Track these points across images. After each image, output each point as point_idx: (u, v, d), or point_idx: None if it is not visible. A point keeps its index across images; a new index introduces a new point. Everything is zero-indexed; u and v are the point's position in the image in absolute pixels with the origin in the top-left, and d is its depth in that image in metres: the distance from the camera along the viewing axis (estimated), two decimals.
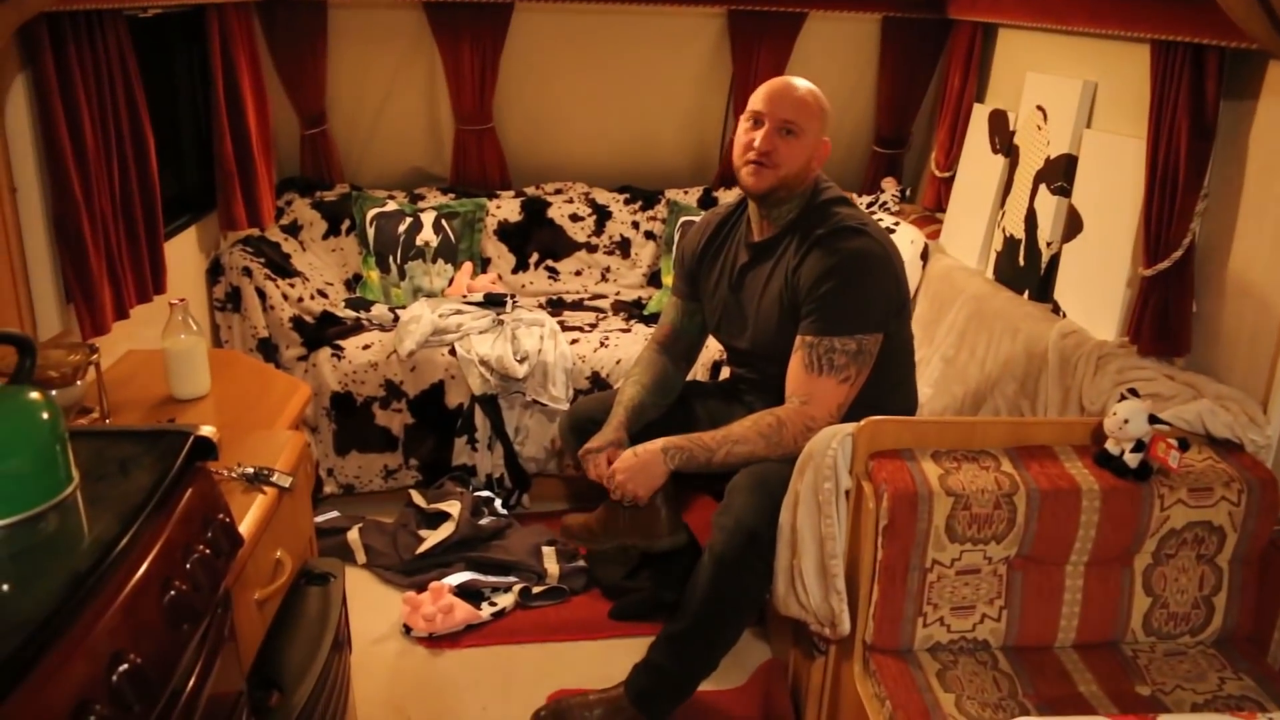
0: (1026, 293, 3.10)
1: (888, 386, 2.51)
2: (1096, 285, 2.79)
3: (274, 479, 1.95)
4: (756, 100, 2.47)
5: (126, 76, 2.61)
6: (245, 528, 1.74)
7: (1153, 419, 2.06)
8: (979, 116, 3.61)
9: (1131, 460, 2.06)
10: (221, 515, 1.49)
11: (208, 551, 1.36)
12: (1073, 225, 2.94)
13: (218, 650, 1.43)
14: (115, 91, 2.56)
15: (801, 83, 2.49)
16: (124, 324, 2.64)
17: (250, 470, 1.94)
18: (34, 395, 1.31)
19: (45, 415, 1.30)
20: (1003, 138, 3.41)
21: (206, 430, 1.47)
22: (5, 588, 1.19)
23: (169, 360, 2.38)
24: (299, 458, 2.13)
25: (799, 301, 2.43)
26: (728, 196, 4.26)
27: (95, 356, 2.08)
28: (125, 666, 1.12)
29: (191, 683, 1.31)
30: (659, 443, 2.44)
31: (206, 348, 2.46)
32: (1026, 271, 3.12)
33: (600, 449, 2.58)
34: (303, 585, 2.17)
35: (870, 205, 4.08)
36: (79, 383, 2.06)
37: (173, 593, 1.25)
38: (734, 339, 2.67)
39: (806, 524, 2.18)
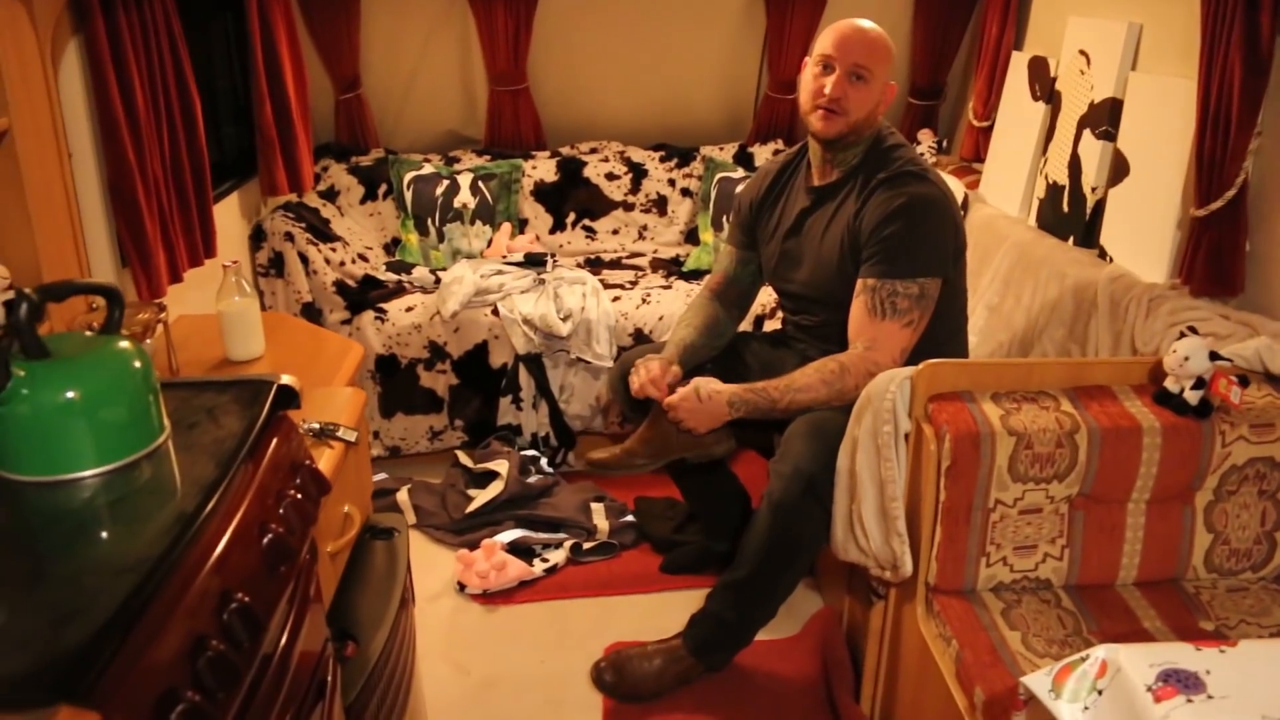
0: (1071, 239, 3.09)
1: (945, 335, 2.51)
2: (1145, 228, 2.78)
3: (340, 433, 1.97)
4: (826, 44, 2.45)
5: (173, 42, 2.63)
6: None
7: (1213, 355, 2.06)
8: (1018, 64, 3.59)
9: (1192, 397, 2.06)
10: (308, 460, 1.51)
11: (299, 496, 1.39)
12: (1118, 169, 2.92)
13: (308, 597, 1.45)
14: (163, 57, 2.57)
15: (870, 25, 2.47)
16: (174, 288, 2.67)
17: (316, 425, 1.96)
18: (126, 345, 1.33)
19: (138, 364, 1.32)
20: (1043, 84, 3.39)
21: (288, 379, 1.49)
22: (110, 532, 1.22)
23: (224, 322, 2.40)
24: (361, 412, 2.16)
25: (860, 244, 2.43)
26: (764, 152, 4.25)
27: (164, 314, 2.10)
28: (234, 604, 1.14)
29: (288, 627, 1.34)
30: (725, 393, 2.44)
31: (259, 309, 2.48)
32: (1071, 218, 3.11)
33: (654, 376, 2.56)
34: (368, 539, 2.20)
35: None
36: (148, 340, 2.09)
37: (270, 535, 1.28)
38: (789, 284, 2.67)
39: (865, 468, 2.19)
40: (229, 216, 3.43)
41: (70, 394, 1.24)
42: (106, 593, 1.04)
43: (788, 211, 2.65)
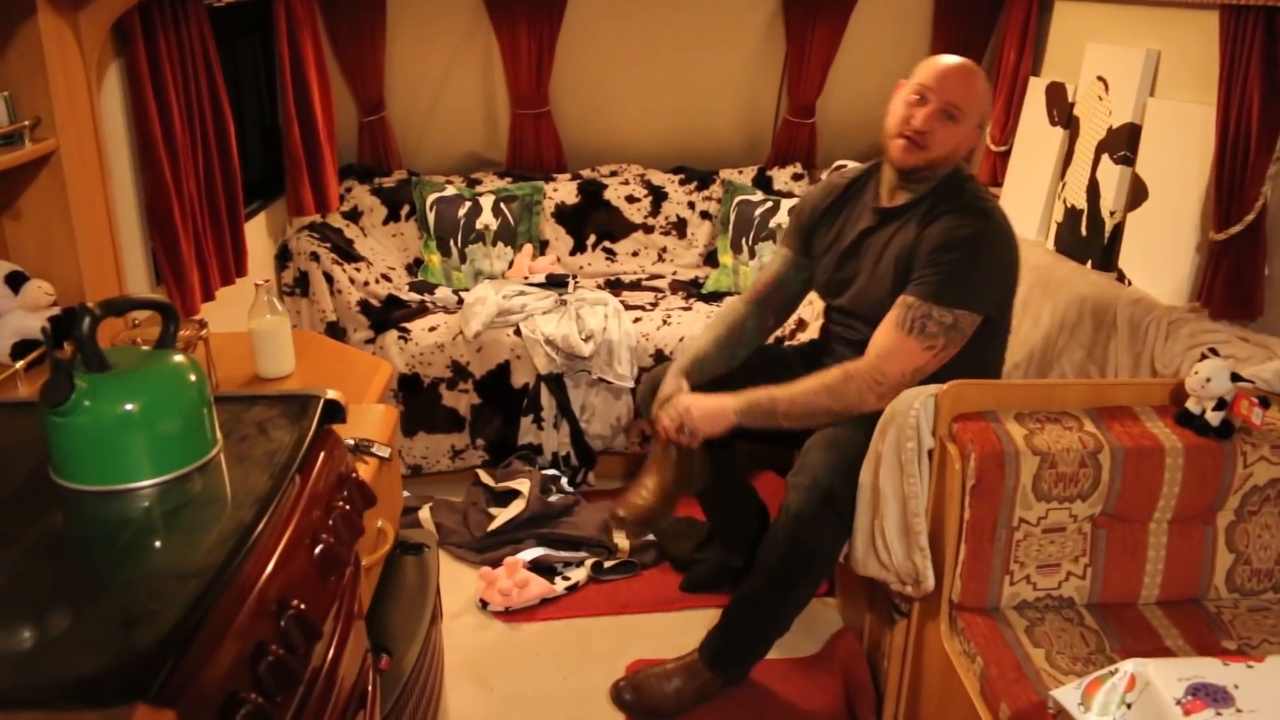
0: (1090, 262, 3.12)
1: (978, 368, 2.46)
2: (1164, 252, 2.81)
3: (374, 449, 2.01)
4: (925, 74, 2.43)
5: (209, 64, 2.69)
6: None
7: (1235, 377, 2.09)
8: (1035, 89, 3.63)
9: (1213, 418, 2.09)
10: (354, 473, 1.55)
11: (346, 507, 1.42)
12: (1137, 194, 2.96)
13: (354, 608, 1.48)
14: (199, 79, 2.63)
15: (973, 67, 2.46)
16: (205, 306, 2.71)
17: (351, 442, 1.99)
18: (181, 359, 1.37)
19: (193, 378, 1.36)
20: (1061, 110, 3.43)
21: (334, 394, 1.53)
22: (167, 541, 1.25)
23: (256, 340, 2.44)
24: (393, 429, 2.19)
25: (914, 266, 2.41)
26: (782, 175, 4.29)
27: (205, 331, 2.15)
28: (291, 611, 1.17)
29: (336, 636, 1.37)
30: (730, 400, 2.47)
31: (290, 327, 2.52)
32: (1089, 241, 3.14)
33: (667, 398, 2.60)
34: (399, 555, 2.24)
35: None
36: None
37: (321, 546, 1.31)
38: (839, 297, 2.66)
39: (889, 483, 2.22)
40: (256, 236, 3.48)
41: (130, 406, 1.28)
42: (172, 598, 1.08)
43: (850, 227, 2.63)
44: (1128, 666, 1.48)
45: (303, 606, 1.19)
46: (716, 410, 2.49)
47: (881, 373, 2.37)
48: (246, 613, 1.11)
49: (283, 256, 3.63)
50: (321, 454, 1.47)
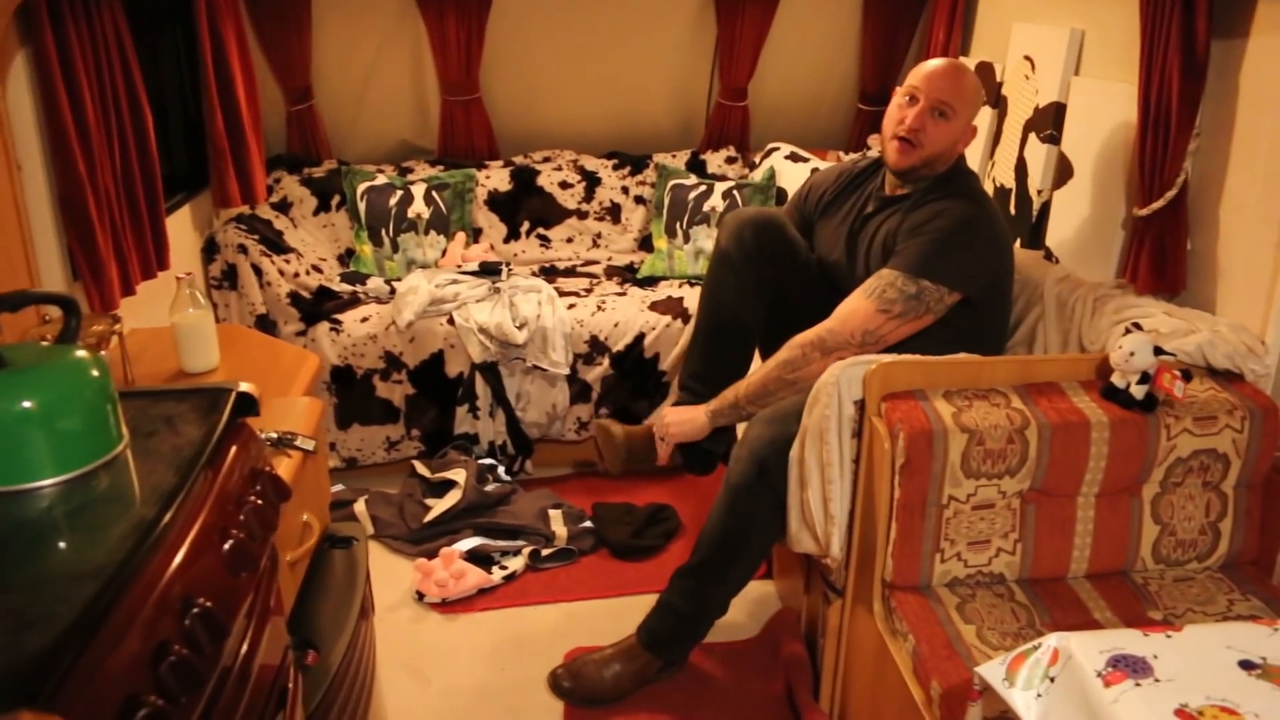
0: (1019, 240, 3.15)
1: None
2: (1089, 229, 2.84)
3: (298, 443, 1.97)
4: (915, 76, 2.51)
5: (123, 53, 2.61)
6: None
7: (1158, 351, 2.10)
8: None
9: (1138, 392, 2.11)
10: (268, 467, 1.51)
11: (259, 502, 1.39)
12: (1063, 172, 2.98)
13: (269, 604, 1.45)
14: (113, 68, 2.56)
15: (963, 66, 2.55)
16: (126, 301, 2.65)
17: (274, 435, 1.96)
18: (83, 354, 1.32)
19: (95, 373, 1.32)
20: (990, 89, 3.44)
21: (246, 386, 1.50)
22: (69, 540, 1.21)
23: (179, 334, 2.40)
24: (319, 421, 2.16)
25: (897, 246, 2.47)
26: (716, 159, 4.29)
27: (119, 326, 2.09)
28: (196, 610, 1.14)
29: (249, 634, 1.34)
30: (702, 409, 2.60)
31: (213, 321, 2.48)
32: (1018, 220, 3.17)
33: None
34: (327, 549, 2.20)
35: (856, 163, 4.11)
36: (103, 352, 2.08)
37: (231, 541, 1.28)
38: (834, 279, 2.69)
39: (813, 455, 2.23)
40: (181, 229, 3.41)
41: (26, 404, 1.23)
42: (67, 600, 1.04)
43: (854, 213, 2.69)
44: (1051, 641, 1.49)
45: (209, 604, 1.16)
46: (688, 418, 2.66)
47: (830, 331, 2.42)
48: (148, 612, 1.08)
49: (209, 249, 3.56)
50: (234, 448, 1.43)
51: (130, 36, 2.66)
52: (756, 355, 2.83)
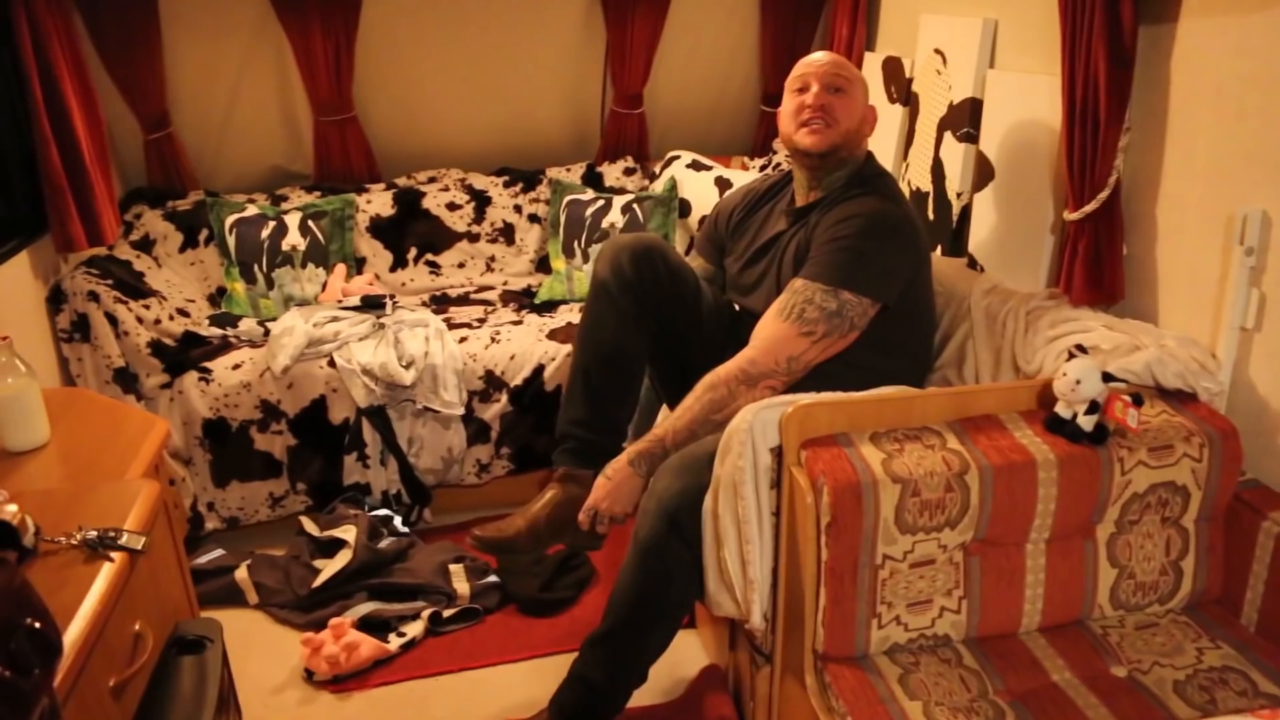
0: (939, 248, 2.94)
1: (884, 374, 2.28)
2: (1015, 235, 2.64)
3: (123, 541, 1.67)
4: (798, 69, 2.44)
5: None
6: (86, 608, 1.47)
7: (1106, 377, 1.89)
8: (871, 65, 3.44)
9: (1086, 423, 1.89)
10: (30, 620, 1.20)
11: (7, 674, 1.08)
12: (983, 173, 2.78)
13: None
14: None
15: (837, 54, 2.51)
16: None
17: (93, 534, 1.65)
18: None
19: None
20: (899, 86, 3.24)
21: (9, 511, 1.19)
22: None
23: None
24: (153, 510, 1.84)
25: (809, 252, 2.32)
26: (613, 171, 4.06)
27: None
28: None
29: None
30: (624, 456, 2.30)
31: (40, 389, 2.16)
32: (937, 226, 2.96)
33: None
34: (174, 656, 1.89)
35: (763, 168, 3.90)
36: None
37: None
38: (748, 299, 2.54)
39: (727, 509, 1.99)
40: (19, 278, 3.05)
41: None
42: None
43: (764, 231, 2.55)
44: None
45: None
46: (621, 482, 2.31)
47: (752, 362, 2.23)
48: None
49: (55, 299, 3.20)
50: None
51: None
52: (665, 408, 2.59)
